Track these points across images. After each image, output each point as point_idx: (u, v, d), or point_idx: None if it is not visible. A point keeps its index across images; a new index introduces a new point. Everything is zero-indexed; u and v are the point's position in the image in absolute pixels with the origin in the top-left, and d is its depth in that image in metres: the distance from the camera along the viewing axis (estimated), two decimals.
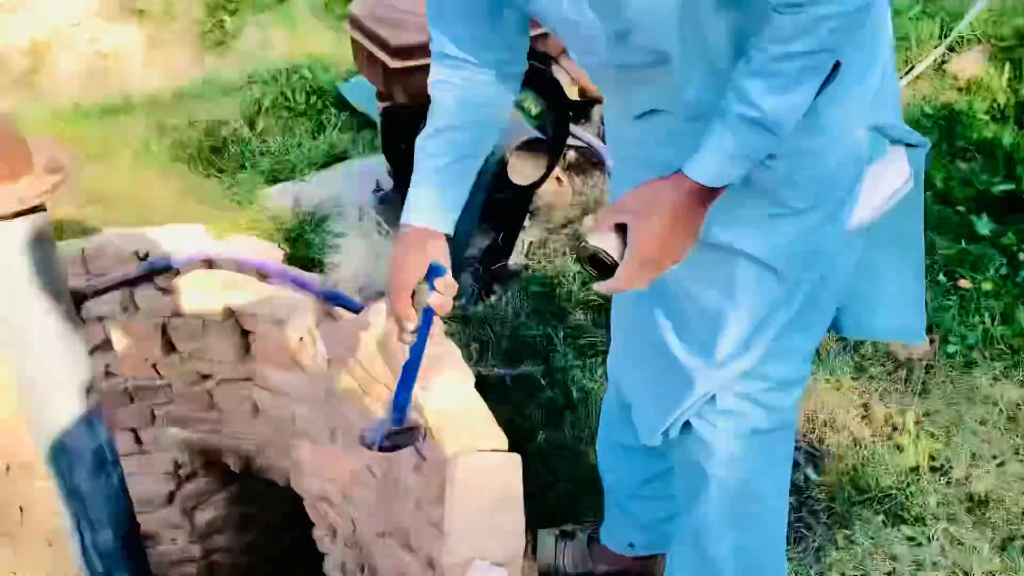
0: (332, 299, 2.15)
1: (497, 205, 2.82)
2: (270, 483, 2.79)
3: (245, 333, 2.34)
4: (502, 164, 2.61)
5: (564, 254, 3.00)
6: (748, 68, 1.11)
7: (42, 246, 1.51)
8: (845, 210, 1.32)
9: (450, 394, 1.88)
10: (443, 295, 1.37)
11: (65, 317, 1.59)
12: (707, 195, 1.19)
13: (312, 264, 2.99)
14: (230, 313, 2.28)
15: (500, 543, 1.56)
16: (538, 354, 2.59)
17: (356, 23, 2.79)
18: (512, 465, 1.71)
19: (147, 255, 2.19)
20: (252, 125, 3.83)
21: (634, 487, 1.83)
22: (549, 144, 2.69)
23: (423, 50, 1.69)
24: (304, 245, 3.06)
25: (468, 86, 1.39)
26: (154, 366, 2.44)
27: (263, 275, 2.19)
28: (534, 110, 2.78)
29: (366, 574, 2.54)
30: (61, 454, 1.70)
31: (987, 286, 2.66)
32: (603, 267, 1.25)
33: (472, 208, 2.79)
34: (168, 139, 3.81)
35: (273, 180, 3.45)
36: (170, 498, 2.75)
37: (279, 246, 2.64)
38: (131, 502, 1.89)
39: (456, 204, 1.43)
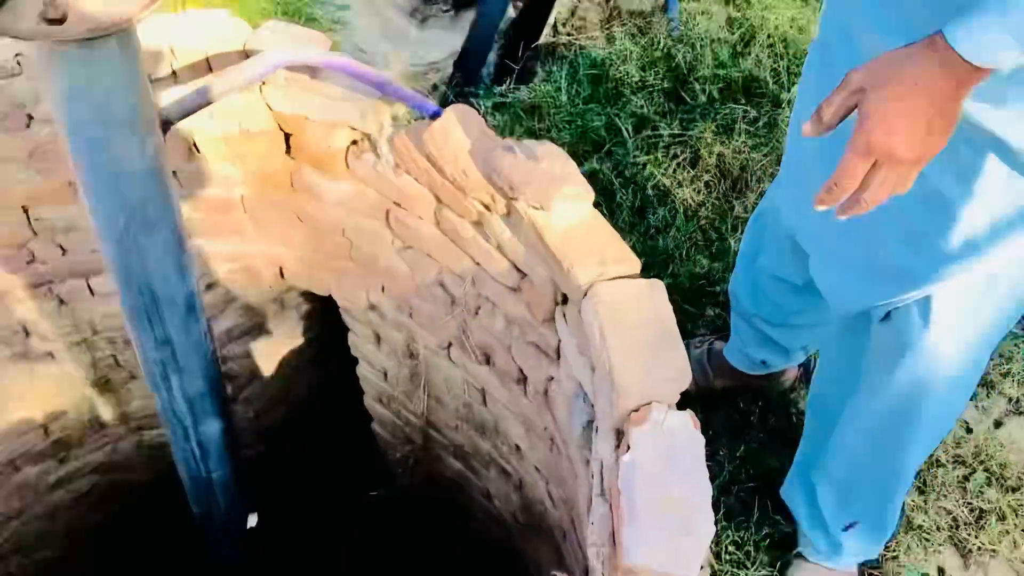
0: (403, 99, 1.85)
1: None
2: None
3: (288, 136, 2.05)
4: None
5: (598, 24, 2.70)
6: None
7: (132, 67, 1.19)
8: None
9: (571, 214, 1.69)
10: None
11: (158, 150, 1.30)
12: (970, 76, 0.87)
13: None
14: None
15: (669, 381, 1.45)
16: (599, 147, 2.37)
17: None
18: (658, 291, 1.57)
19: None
20: None
21: (785, 316, 1.70)
22: None
23: None
24: (305, 22, 2.67)
25: None
26: (174, 173, 2.13)
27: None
28: None
29: (414, 383, 2.44)
30: (153, 303, 1.46)
31: None
32: None
33: None
34: None
35: None
36: None
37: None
38: (216, 346, 1.68)
39: None
